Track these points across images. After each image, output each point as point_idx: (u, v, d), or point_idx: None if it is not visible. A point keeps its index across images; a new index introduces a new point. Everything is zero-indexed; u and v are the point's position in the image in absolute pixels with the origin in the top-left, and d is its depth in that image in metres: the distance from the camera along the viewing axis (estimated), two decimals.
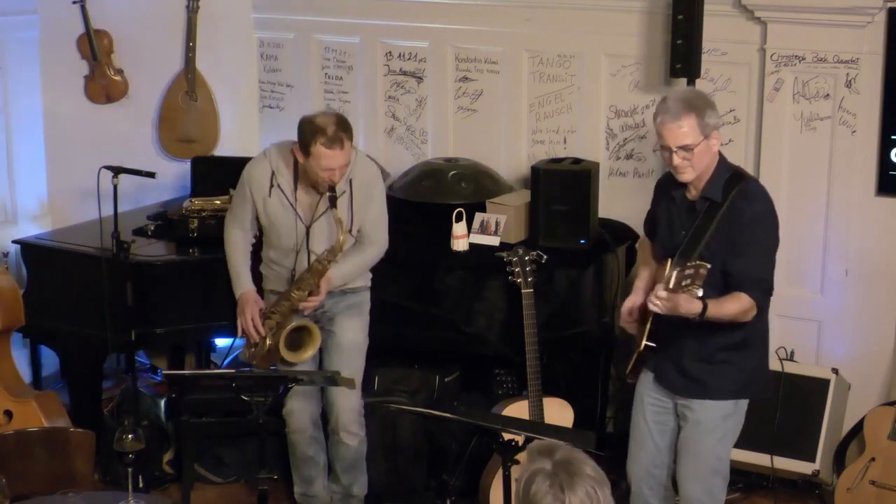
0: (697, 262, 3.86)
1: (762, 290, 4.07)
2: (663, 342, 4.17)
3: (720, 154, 4.17)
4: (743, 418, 4.30)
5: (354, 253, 4.90)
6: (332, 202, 4.67)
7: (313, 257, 4.79)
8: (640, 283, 4.36)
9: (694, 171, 4.09)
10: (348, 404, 4.93)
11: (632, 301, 4.31)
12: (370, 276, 5.02)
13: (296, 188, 4.79)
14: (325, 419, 5.05)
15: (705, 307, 3.94)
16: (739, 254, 4.05)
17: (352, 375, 4.76)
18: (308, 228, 4.80)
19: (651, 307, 3.97)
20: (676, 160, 4.07)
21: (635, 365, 4.27)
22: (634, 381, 4.37)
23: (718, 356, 4.16)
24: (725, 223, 4.07)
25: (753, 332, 4.19)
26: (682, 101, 4.07)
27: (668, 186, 4.27)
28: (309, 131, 4.63)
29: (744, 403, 4.28)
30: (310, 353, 4.83)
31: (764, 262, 4.10)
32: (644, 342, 4.16)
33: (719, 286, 4.06)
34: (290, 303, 4.79)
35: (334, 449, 5.02)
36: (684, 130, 4.03)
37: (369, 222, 4.89)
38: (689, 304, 3.91)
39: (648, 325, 4.14)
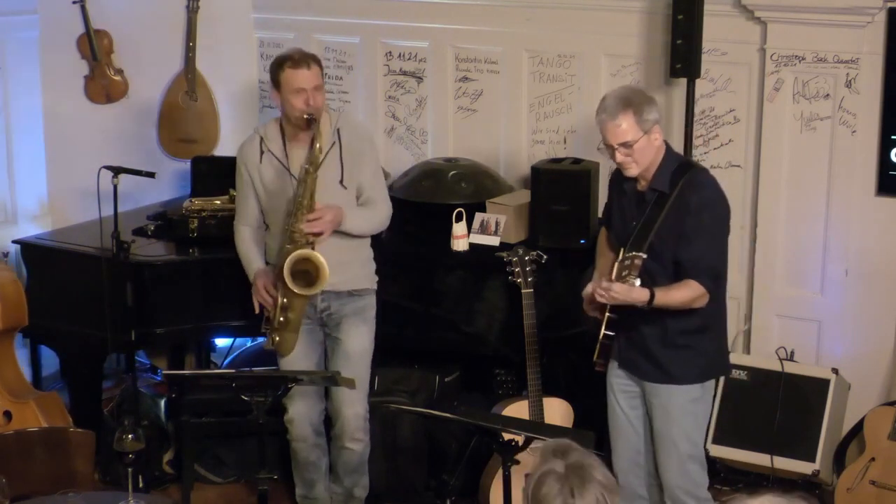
0: (634, 252, 3.97)
1: (711, 277, 4.15)
2: (625, 328, 4.25)
3: (667, 145, 4.26)
4: (711, 401, 4.38)
5: (365, 207, 4.85)
6: (310, 124, 4.61)
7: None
8: (597, 274, 4.44)
9: (638, 166, 4.19)
10: (354, 412, 4.92)
11: (590, 288, 4.33)
12: (376, 278, 4.98)
13: (286, 147, 4.76)
14: (329, 423, 5.04)
15: (652, 295, 4.02)
16: (687, 241, 4.13)
17: (358, 383, 4.75)
18: None
19: (597, 297, 4.06)
20: (619, 157, 4.18)
21: (601, 353, 4.33)
22: (603, 370, 4.43)
23: (679, 340, 4.24)
24: (673, 212, 4.15)
25: (711, 317, 4.28)
26: (619, 98, 4.17)
27: (620, 180, 4.35)
28: (276, 64, 4.71)
29: (710, 386, 4.37)
30: (319, 286, 4.65)
31: (711, 248, 4.18)
32: (602, 331, 4.24)
33: (671, 275, 4.16)
34: (293, 244, 4.64)
35: (338, 453, 5.01)
36: (623, 128, 4.13)
37: (367, 183, 4.82)
38: (633, 293, 3.98)
39: (606, 314, 4.21)
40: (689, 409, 4.30)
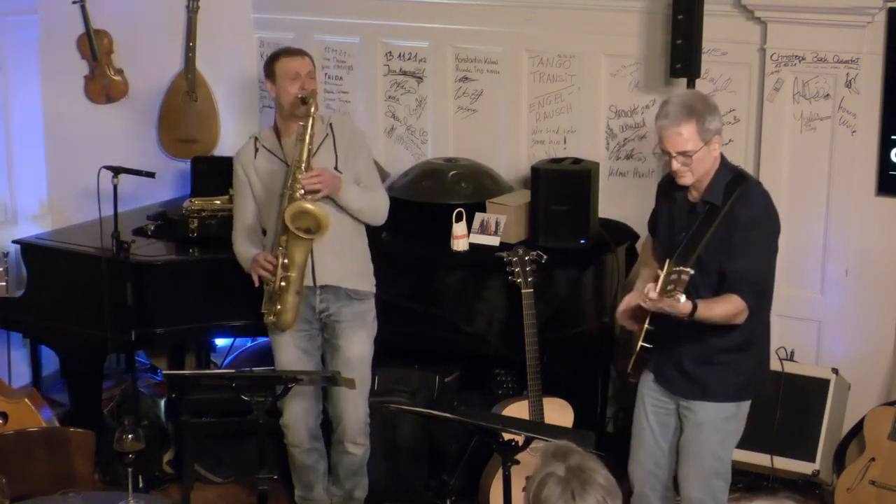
0: (681, 267, 3.86)
1: (755, 293, 4.06)
2: (663, 343, 4.17)
3: (722, 156, 4.17)
4: (744, 420, 4.30)
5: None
6: (305, 101, 4.70)
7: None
8: (640, 283, 4.35)
9: (693, 175, 4.08)
10: (356, 416, 4.93)
11: (628, 300, 4.27)
12: (374, 281, 4.98)
13: (280, 142, 4.81)
14: (330, 427, 5.04)
15: (695, 307, 3.95)
16: (733, 256, 4.04)
17: (360, 388, 4.78)
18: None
19: (643, 304, 3.97)
20: (676, 165, 4.07)
21: (636, 365, 4.26)
22: (636, 380, 4.37)
23: (718, 358, 4.16)
24: (723, 226, 4.07)
25: (753, 334, 4.18)
26: (682, 106, 4.04)
27: (670, 187, 4.26)
28: (270, 58, 4.89)
29: (745, 406, 4.28)
30: (322, 234, 4.64)
31: (757, 264, 4.09)
32: (640, 343, 4.16)
33: (716, 288, 4.08)
34: (290, 203, 4.65)
35: (338, 457, 5.02)
36: (684, 137, 4.02)
37: (363, 174, 4.86)
38: (677, 305, 3.89)
39: (645, 326, 4.14)
40: (720, 426, 4.23)
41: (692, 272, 3.85)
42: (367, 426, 5.00)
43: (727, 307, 4.02)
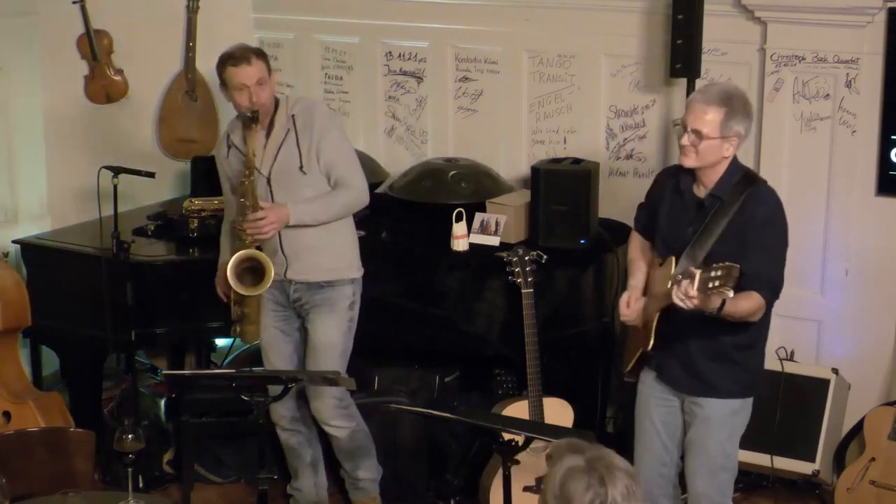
0: (728, 263, 3.79)
1: (771, 291, 4.07)
2: (670, 340, 4.16)
3: (735, 158, 4.14)
4: (749, 414, 4.30)
5: (325, 193, 4.78)
6: (252, 119, 4.62)
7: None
8: (636, 282, 4.34)
9: (696, 160, 4.05)
10: (322, 402, 4.89)
11: (627, 297, 4.28)
12: (354, 267, 4.90)
13: (245, 138, 4.72)
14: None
15: (723, 303, 3.91)
16: (750, 255, 4.02)
17: None
18: (269, 180, 4.73)
19: (678, 303, 3.83)
20: (685, 140, 4.06)
21: (637, 364, 4.26)
22: (634, 381, 4.36)
23: (728, 355, 4.15)
24: (736, 225, 4.06)
25: (759, 333, 4.20)
26: (724, 92, 4.07)
27: (677, 180, 4.23)
28: (219, 62, 4.70)
29: (750, 399, 4.29)
30: (264, 285, 4.68)
31: (774, 262, 4.09)
32: (652, 341, 4.14)
33: None
34: (241, 242, 4.70)
35: (329, 438, 5.03)
36: (706, 118, 4.01)
37: (334, 162, 4.74)
38: (716, 301, 3.86)
39: (655, 324, 4.13)
40: (728, 420, 4.22)
41: (740, 267, 3.80)
42: (342, 409, 4.93)
43: (751, 304, 4.00)
